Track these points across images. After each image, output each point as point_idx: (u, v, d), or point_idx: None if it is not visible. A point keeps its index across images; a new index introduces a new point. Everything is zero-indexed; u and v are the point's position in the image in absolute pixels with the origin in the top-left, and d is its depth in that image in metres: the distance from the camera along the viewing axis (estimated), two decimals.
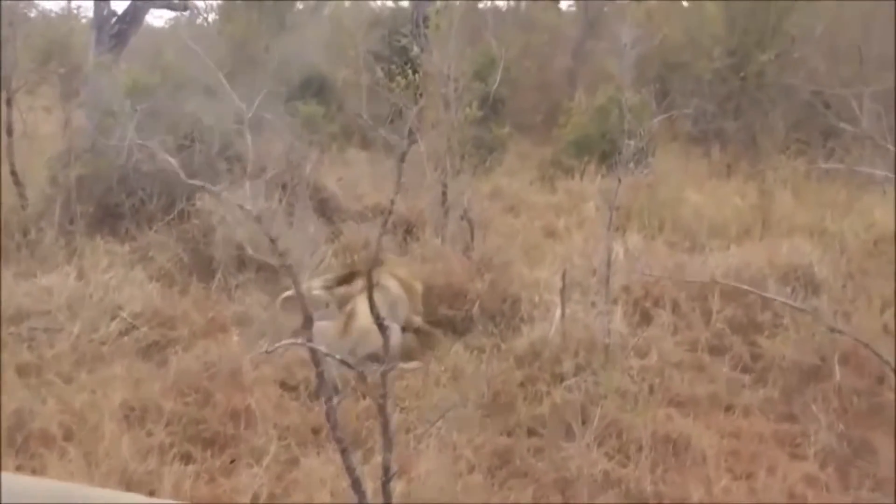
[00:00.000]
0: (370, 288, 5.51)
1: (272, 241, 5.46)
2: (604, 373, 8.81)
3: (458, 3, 14.63)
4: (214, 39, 19.01)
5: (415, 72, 12.92)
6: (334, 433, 5.30)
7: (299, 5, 21.37)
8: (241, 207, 5.63)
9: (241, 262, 11.04)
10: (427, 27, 13.05)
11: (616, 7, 21.46)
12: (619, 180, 9.32)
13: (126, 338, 9.18)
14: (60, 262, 10.38)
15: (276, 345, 4.71)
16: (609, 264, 9.23)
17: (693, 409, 8.57)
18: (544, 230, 13.11)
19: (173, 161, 5.99)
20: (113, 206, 11.59)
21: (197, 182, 5.87)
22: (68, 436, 7.36)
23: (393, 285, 10.13)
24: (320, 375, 5.38)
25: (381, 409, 5.38)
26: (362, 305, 9.72)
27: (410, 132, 12.67)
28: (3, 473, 1.35)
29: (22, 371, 8.42)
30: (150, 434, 7.52)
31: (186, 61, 15.76)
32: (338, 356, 5.35)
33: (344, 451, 5.38)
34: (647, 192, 14.08)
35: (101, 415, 7.51)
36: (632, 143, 9.32)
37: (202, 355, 8.73)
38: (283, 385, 8.67)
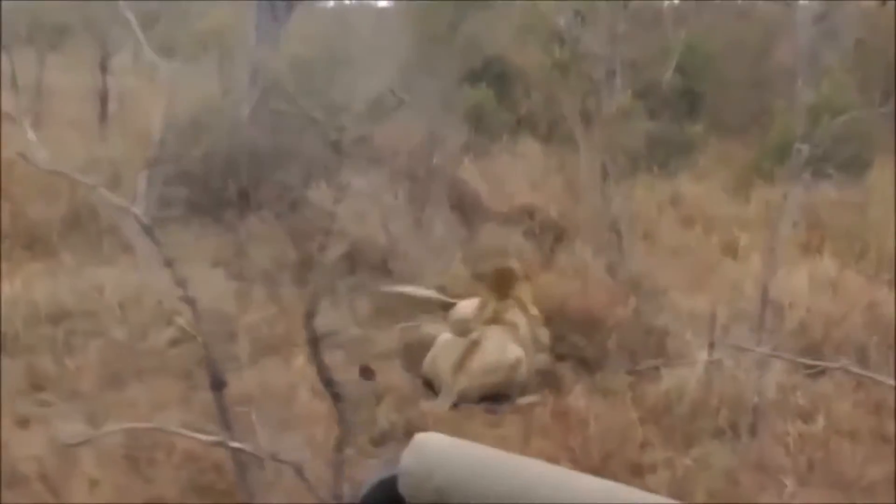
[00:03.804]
0: None
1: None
2: (747, 440, 6.87)
3: None
4: (401, 17, 17.57)
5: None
6: None
7: None
8: None
9: (353, 263, 9.46)
10: None
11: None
12: (786, 196, 7.28)
13: (177, 350, 7.64)
14: (128, 254, 8.95)
15: (100, 431, 3.05)
16: (765, 302, 7.20)
17: (863, 496, 6.53)
18: (722, 247, 10.99)
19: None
20: (216, 190, 10.08)
21: None
22: (43, 478, 5.86)
23: (522, 324, 8.32)
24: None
25: None
26: (490, 341, 7.98)
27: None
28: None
29: (35, 385, 7.02)
30: (148, 481, 5.96)
31: (351, 39, 14.46)
32: None
33: None
34: (856, 210, 11.83)
35: (96, 455, 5.97)
36: (804, 147, 7.27)
37: (252, 378, 7.15)
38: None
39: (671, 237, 10.91)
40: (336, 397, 3.93)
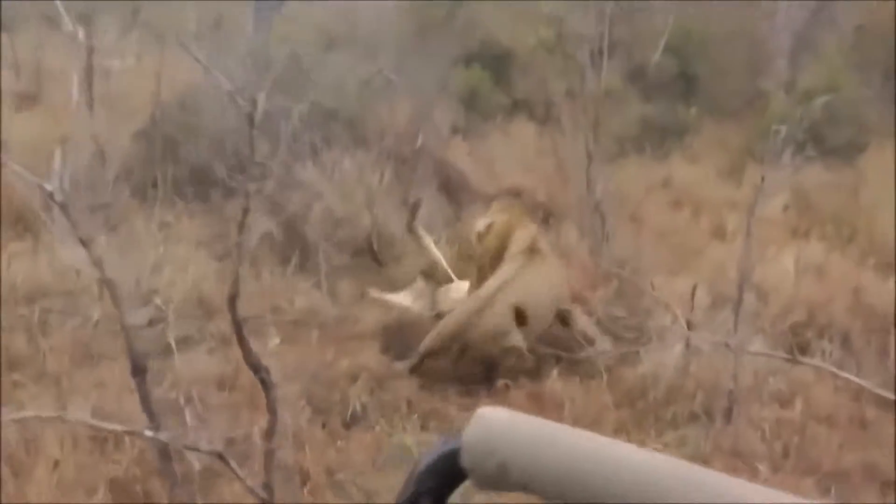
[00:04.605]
0: None
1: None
2: (722, 425, 6.68)
3: None
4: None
5: None
6: None
7: None
8: None
9: (337, 244, 9.24)
10: None
11: None
12: (763, 178, 7.07)
13: (153, 330, 7.42)
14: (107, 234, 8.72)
15: None
16: (742, 287, 6.98)
17: (839, 483, 6.32)
18: (711, 230, 10.76)
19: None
20: (204, 169, 9.84)
21: None
22: (8, 458, 5.67)
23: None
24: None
25: None
26: (502, 304, 7.66)
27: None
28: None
29: (9, 365, 6.83)
30: (114, 462, 5.78)
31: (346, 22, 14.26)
32: None
33: None
34: (848, 194, 11.58)
35: (60, 436, 5.79)
36: (782, 128, 7.07)
37: (224, 361, 6.97)
38: (314, 407, 6.78)
39: (659, 220, 10.65)
40: (263, 383, 3.71)
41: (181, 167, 9.81)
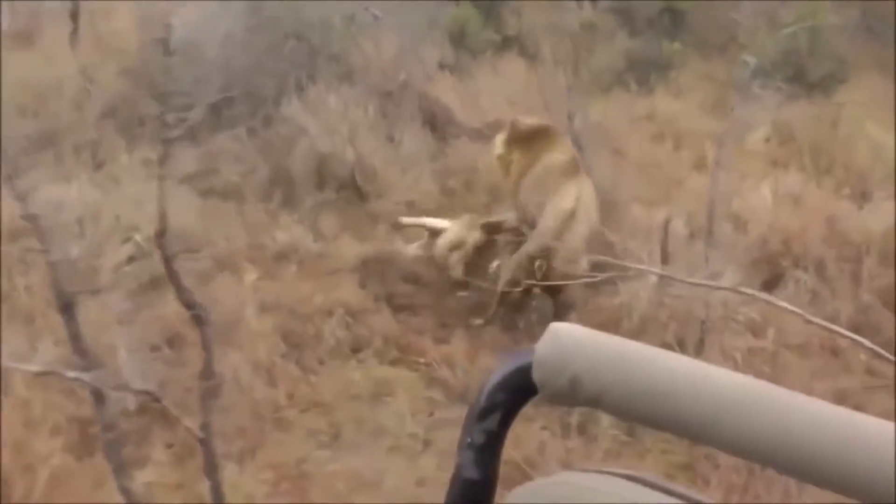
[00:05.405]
0: None
1: None
2: (694, 355, 6.41)
3: None
4: None
5: None
6: None
7: None
8: None
9: (322, 179, 8.98)
10: None
11: None
12: (732, 109, 6.79)
13: (131, 266, 7.20)
14: (90, 171, 8.48)
15: None
16: (712, 219, 6.73)
17: None
18: (693, 162, 10.45)
19: None
20: (188, 106, 9.51)
21: None
22: None
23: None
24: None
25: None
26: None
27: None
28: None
29: None
30: (81, 401, 5.56)
31: None
32: None
33: None
34: (828, 126, 11.26)
35: (29, 374, 5.56)
36: (751, 60, 6.79)
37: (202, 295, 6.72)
38: (288, 340, 6.56)
39: (641, 152, 10.34)
40: (198, 319, 3.48)
41: (167, 104, 9.48)
